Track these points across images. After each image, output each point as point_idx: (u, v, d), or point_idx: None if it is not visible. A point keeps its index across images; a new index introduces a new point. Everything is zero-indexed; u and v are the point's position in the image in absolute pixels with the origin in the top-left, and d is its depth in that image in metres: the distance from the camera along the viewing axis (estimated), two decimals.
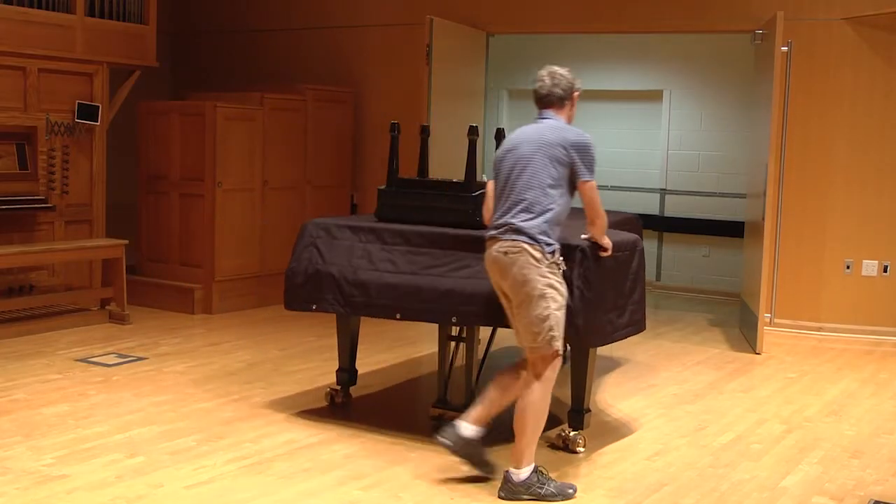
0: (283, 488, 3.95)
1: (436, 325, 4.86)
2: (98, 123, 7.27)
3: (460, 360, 4.96)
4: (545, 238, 3.89)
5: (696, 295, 9.29)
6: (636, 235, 4.82)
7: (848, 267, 7.42)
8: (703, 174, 9.41)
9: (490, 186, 4.21)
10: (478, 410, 4.05)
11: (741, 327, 7.49)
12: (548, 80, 4.15)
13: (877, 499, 4.05)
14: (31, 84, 6.89)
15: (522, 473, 3.89)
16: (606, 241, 4.18)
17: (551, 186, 3.93)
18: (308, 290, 4.77)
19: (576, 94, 4.22)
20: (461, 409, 4.46)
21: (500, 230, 3.95)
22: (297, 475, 4.10)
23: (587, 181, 3.98)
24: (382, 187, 5.00)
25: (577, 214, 4.26)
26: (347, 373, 5.18)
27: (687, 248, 9.57)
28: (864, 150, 7.33)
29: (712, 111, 9.44)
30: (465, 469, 4.12)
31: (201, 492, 3.88)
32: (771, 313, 7.42)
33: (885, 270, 7.33)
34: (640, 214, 6.94)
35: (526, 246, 3.87)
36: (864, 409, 5.45)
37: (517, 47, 9.83)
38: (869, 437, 4.94)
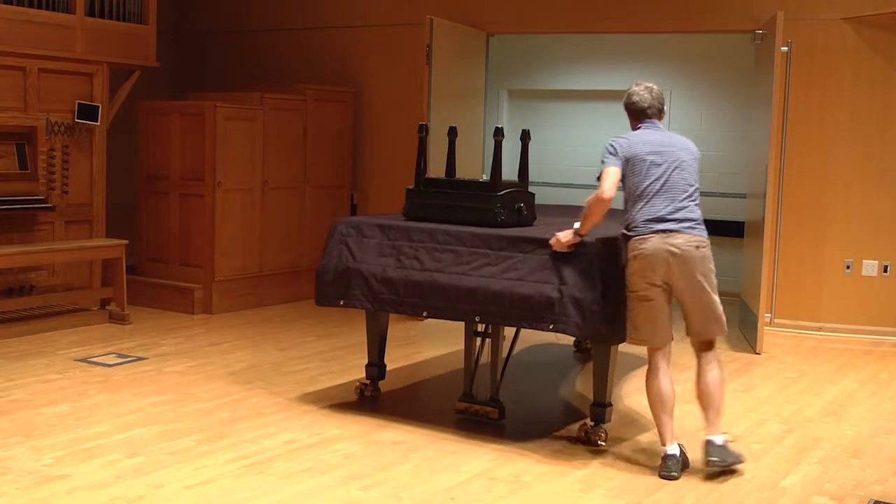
0: (283, 488, 3.95)
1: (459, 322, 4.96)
2: (98, 123, 7.27)
3: (486, 357, 5.03)
4: None
5: None
6: None
7: (848, 267, 7.42)
8: (703, 174, 9.29)
9: (615, 174, 4.33)
10: (712, 421, 4.29)
11: (741, 327, 7.49)
12: (646, 94, 4.47)
13: (877, 499, 4.05)
14: (31, 84, 6.89)
15: (720, 437, 4.25)
16: None
17: (696, 189, 4.40)
18: (337, 286, 4.90)
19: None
20: (486, 404, 4.82)
21: (683, 224, 4.22)
22: (297, 475, 4.10)
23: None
24: (411, 187, 5.13)
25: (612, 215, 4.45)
26: (377, 367, 5.30)
27: None
28: (864, 149, 7.34)
29: (712, 111, 9.44)
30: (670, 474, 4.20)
31: (201, 492, 3.88)
32: (771, 313, 7.42)
33: (885, 270, 7.33)
34: None
35: (707, 241, 4.29)
36: (864, 409, 5.45)
37: (517, 47, 9.83)
38: (869, 437, 4.94)
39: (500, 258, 4.49)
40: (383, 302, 4.81)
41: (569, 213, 5.67)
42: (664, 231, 4.20)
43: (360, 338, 6.85)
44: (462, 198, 4.89)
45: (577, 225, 4.33)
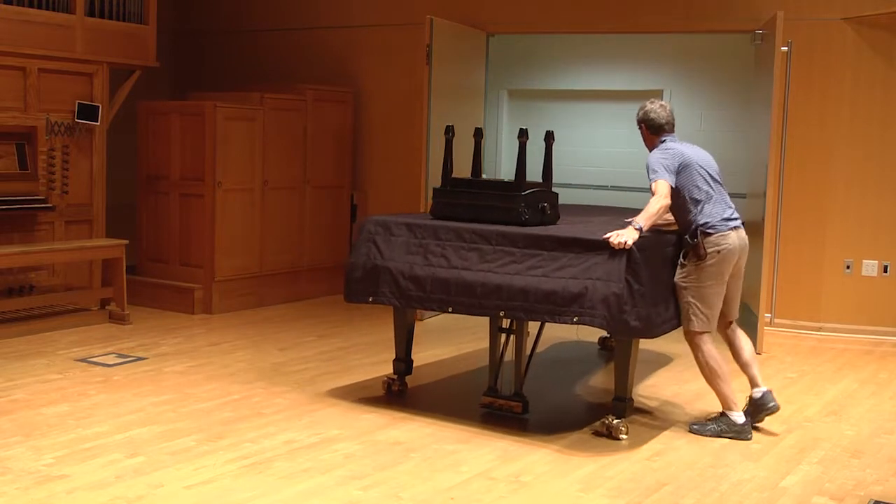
0: (283, 488, 3.95)
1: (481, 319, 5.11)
2: (98, 123, 7.27)
3: (510, 352, 5.13)
4: None
5: None
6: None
7: (848, 267, 7.42)
8: None
9: (667, 185, 4.72)
10: (758, 376, 4.99)
11: (741, 327, 7.48)
12: (662, 112, 4.95)
13: (877, 499, 4.05)
14: (31, 84, 6.89)
15: (764, 387, 4.97)
16: None
17: None
18: (366, 283, 5.03)
19: None
20: (510, 398, 4.97)
21: (740, 220, 4.89)
22: (297, 475, 4.10)
23: None
24: (437, 186, 5.28)
25: (606, 212, 4.62)
26: (404, 363, 5.41)
27: None
28: (864, 150, 7.34)
29: (712, 111, 9.44)
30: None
31: (201, 492, 3.88)
32: (771, 313, 7.42)
33: (885, 270, 7.33)
34: None
35: None
36: (864, 409, 5.45)
37: (517, 47, 9.83)
38: (869, 437, 4.94)
39: (525, 256, 4.64)
40: (410, 299, 4.93)
41: (582, 212, 5.82)
42: (735, 227, 4.82)
43: (359, 338, 6.88)
44: (487, 197, 5.03)
45: (637, 224, 4.55)
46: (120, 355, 6.09)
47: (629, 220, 4.77)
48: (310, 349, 6.48)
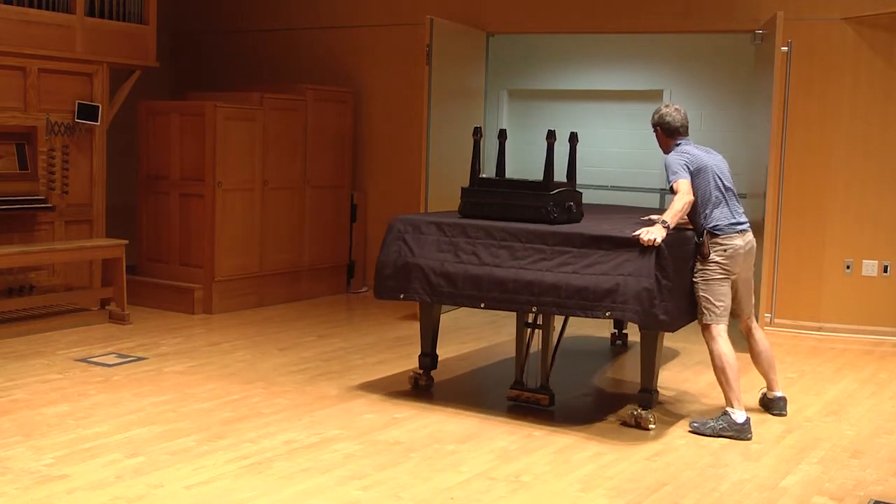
0: (283, 488, 3.95)
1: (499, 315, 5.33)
2: (98, 123, 7.27)
3: (534, 348, 5.28)
4: None
5: None
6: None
7: (848, 267, 7.42)
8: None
9: (688, 183, 4.93)
10: (775, 380, 5.30)
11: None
12: (678, 115, 5.17)
13: (877, 499, 4.05)
14: (31, 84, 6.89)
15: (780, 392, 5.26)
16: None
17: None
18: (397, 280, 5.15)
19: None
20: (537, 391, 5.14)
21: (748, 224, 5.07)
22: (297, 475, 4.10)
23: None
24: (466, 186, 5.41)
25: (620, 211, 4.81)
26: (430, 357, 5.54)
27: None
28: (864, 150, 7.34)
29: (712, 111, 9.44)
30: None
31: (201, 492, 3.88)
32: (771, 313, 7.42)
33: (885, 270, 7.34)
34: None
35: None
36: (864, 409, 5.45)
37: (517, 47, 9.83)
38: (869, 437, 4.94)
39: (555, 253, 4.79)
40: (442, 295, 5.05)
41: (595, 211, 5.95)
42: (742, 231, 5.00)
43: (359, 338, 6.88)
44: (516, 196, 5.17)
45: (665, 221, 4.74)
46: (120, 355, 6.10)
47: (645, 217, 5.21)
48: (310, 349, 6.48)
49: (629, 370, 6.38)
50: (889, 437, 4.95)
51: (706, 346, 5.02)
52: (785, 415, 5.21)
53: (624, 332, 7.03)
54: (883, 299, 7.33)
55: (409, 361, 6.21)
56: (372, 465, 4.26)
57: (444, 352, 6.45)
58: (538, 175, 5.27)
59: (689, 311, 4.99)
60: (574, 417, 5.11)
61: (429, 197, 7.56)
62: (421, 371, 5.54)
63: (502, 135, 5.54)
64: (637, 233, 4.65)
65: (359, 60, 8.93)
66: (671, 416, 5.17)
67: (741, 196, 8.63)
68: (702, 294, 4.96)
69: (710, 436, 4.81)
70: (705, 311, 4.97)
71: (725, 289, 4.99)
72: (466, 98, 8.18)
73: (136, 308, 7.37)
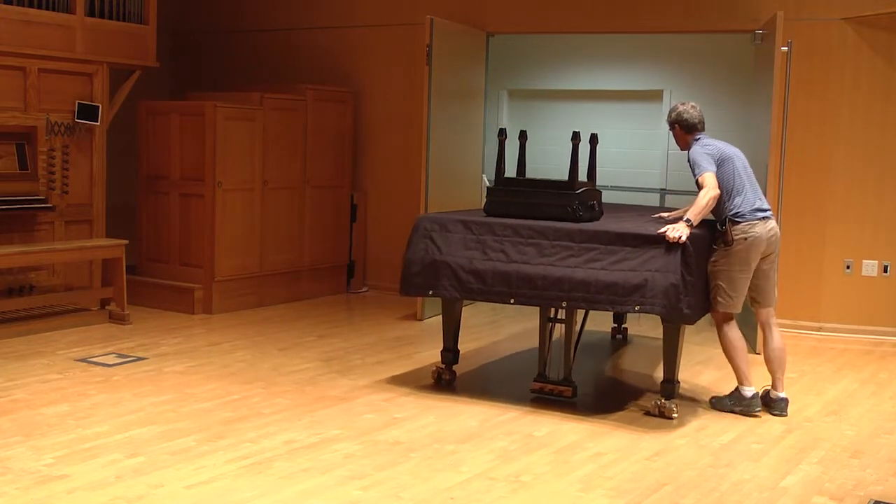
0: (283, 488, 3.95)
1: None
2: (98, 123, 7.27)
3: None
4: None
5: None
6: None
7: (848, 267, 7.42)
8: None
9: (714, 177, 5.05)
10: (781, 380, 5.30)
11: (741, 327, 7.48)
12: (694, 112, 5.34)
13: (877, 499, 4.05)
14: (31, 84, 6.89)
15: (783, 394, 5.28)
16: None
17: None
18: (424, 277, 5.29)
19: None
20: (560, 383, 5.30)
21: (770, 212, 5.21)
22: (297, 475, 4.10)
23: None
24: (491, 185, 5.56)
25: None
26: (451, 352, 5.68)
27: None
28: (864, 150, 7.34)
29: (712, 111, 9.39)
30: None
31: (201, 492, 3.88)
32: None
33: (885, 270, 7.34)
34: None
35: None
36: (864, 409, 5.45)
37: (517, 47, 9.83)
38: (869, 437, 4.94)
39: (583, 250, 4.96)
40: (471, 291, 5.18)
41: (608, 210, 6.03)
42: (764, 218, 5.13)
43: (359, 338, 6.88)
44: (542, 195, 5.32)
45: (689, 219, 4.90)
46: (120, 355, 6.10)
47: (656, 216, 5.55)
48: (310, 349, 6.48)
49: (635, 362, 6.53)
50: (889, 437, 4.95)
51: (703, 346, 5.08)
52: (785, 416, 5.23)
53: (624, 326, 7.19)
54: (883, 299, 7.33)
55: (409, 361, 6.22)
56: (372, 465, 4.26)
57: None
58: (541, 173, 5.31)
59: (704, 305, 5.16)
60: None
61: (429, 197, 7.56)
62: (444, 366, 5.67)
63: (523, 136, 5.65)
64: (663, 230, 4.82)
65: (359, 60, 8.92)
66: (671, 416, 5.17)
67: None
68: (719, 283, 5.12)
69: (724, 411, 5.21)
70: (719, 299, 5.13)
71: (743, 277, 5.12)
72: (466, 98, 8.18)
73: (136, 308, 7.37)
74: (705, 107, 9.93)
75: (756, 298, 5.32)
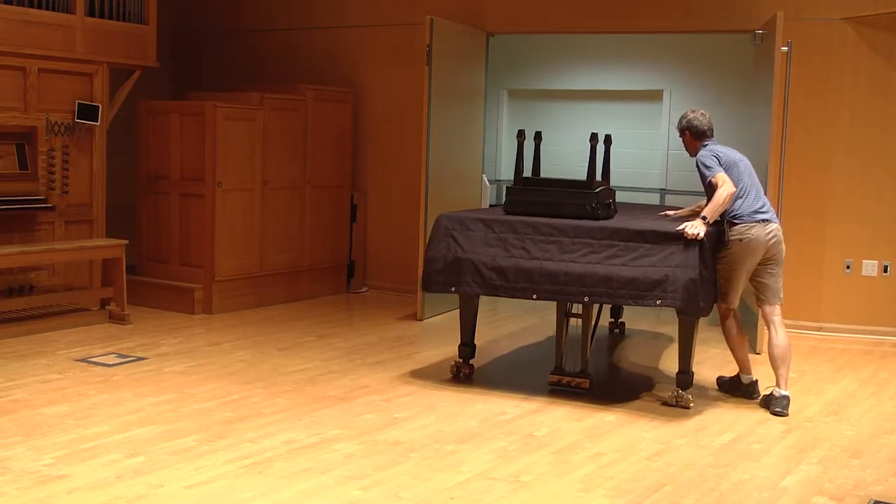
0: (283, 488, 3.95)
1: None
2: (98, 123, 7.27)
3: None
4: None
5: None
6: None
7: (848, 267, 7.42)
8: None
9: (726, 177, 5.23)
10: (785, 377, 5.33)
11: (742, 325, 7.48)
12: (703, 119, 5.52)
13: (877, 499, 4.05)
14: (31, 84, 6.89)
15: (785, 391, 5.30)
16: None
17: None
18: (447, 274, 5.43)
19: None
20: (577, 375, 5.48)
21: (771, 215, 5.37)
22: (297, 475, 4.10)
23: None
24: (510, 185, 5.72)
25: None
26: (469, 347, 5.81)
27: None
28: (864, 149, 7.34)
29: (712, 111, 9.33)
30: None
31: (201, 492, 3.88)
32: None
33: (885, 270, 7.33)
34: None
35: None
36: (864, 409, 5.45)
37: (517, 47, 9.83)
38: (869, 437, 4.94)
39: (603, 247, 5.15)
40: (495, 287, 5.34)
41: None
42: (763, 221, 5.28)
43: (359, 338, 6.89)
44: (561, 195, 5.48)
45: (705, 217, 5.11)
46: (120, 355, 6.10)
47: (662, 213, 5.83)
48: (310, 349, 6.48)
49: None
50: (889, 437, 4.95)
51: (703, 346, 5.17)
52: (786, 414, 5.24)
53: (621, 321, 7.32)
54: (883, 299, 7.33)
55: (409, 361, 6.22)
56: (372, 465, 4.26)
57: (446, 351, 6.46)
58: (542, 173, 5.56)
59: (714, 298, 5.37)
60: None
61: (429, 197, 7.56)
62: (461, 360, 5.79)
63: (537, 136, 5.81)
64: (681, 227, 5.04)
65: (358, 60, 8.92)
66: (670, 416, 5.17)
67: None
68: (720, 278, 5.35)
69: (726, 392, 5.59)
70: (721, 293, 5.39)
71: (737, 276, 5.32)
72: (466, 98, 8.18)
73: (136, 308, 7.37)
74: (705, 107, 9.92)
75: (760, 296, 5.45)
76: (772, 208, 5.50)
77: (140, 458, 4.21)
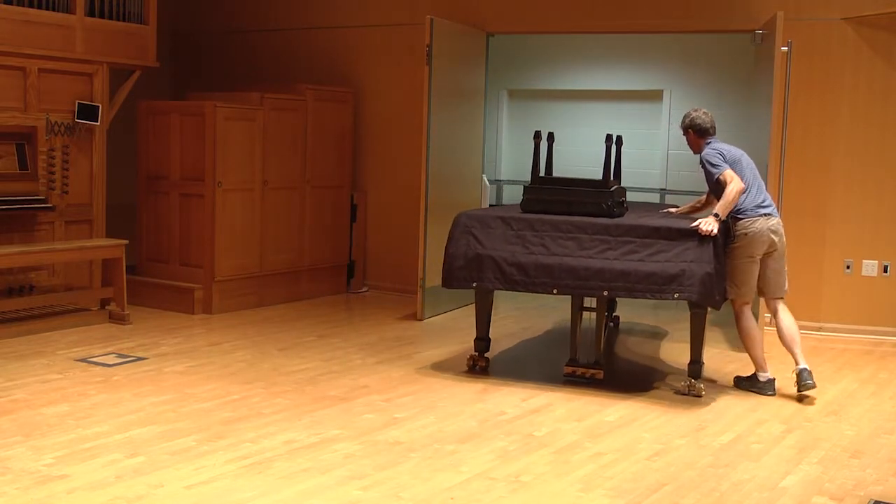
0: (283, 488, 3.95)
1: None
2: (98, 123, 7.27)
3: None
4: None
5: None
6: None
7: (848, 267, 7.42)
8: (703, 174, 9.39)
9: (733, 174, 5.44)
10: (801, 354, 5.56)
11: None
12: (706, 118, 5.73)
13: (877, 499, 4.05)
14: (31, 84, 6.89)
15: (804, 364, 5.52)
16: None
17: None
18: (468, 270, 5.60)
19: None
20: (592, 366, 5.70)
21: (774, 209, 5.61)
22: (296, 475, 4.10)
23: None
24: (527, 184, 5.89)
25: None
26: (484, 341, 5.99)
27: None
28: (864, 149, 7.34)
29: (712, 111, 9.33)
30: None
31: (201, 492, 3.88)
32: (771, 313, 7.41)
33: (885, 270, 7.34)
34: None
35: None
36: (864, 409, 5.45)
37: (517, 47, 9.83)
38: (869, 437, 4.94)
39: (619, 243, 5.34)
40: (515, 283, 5.50)
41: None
42: (766, 215, 5.50)
43: (359, 338, 6.89)
44: (577, 193, 5.66)
45: (717, 214, 5.31)
46: (120, 355, 6.10)
47: (665, 210, 6.02)
48: (310, 349, 6.48)
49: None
50: (889, 437, 4.95)
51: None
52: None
53: (615, 315, 7.44)
54: (883, 299, 7.33)
55: (409, 361, 6.22)
56: (372, 465, 4.26)
57: (447, 351, 6.46)
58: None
59: (725, 291, 5.51)
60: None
61: (429, 197, 7.56)
62: (477, 353, 5.96)
63: (550, 137, 5.98)
64: (695, 224, 5.24)
65: (358, 60, 8.92)
66: (670, 416, 5.18)
67: None
68: (733, 272, 5.52)
69: (743, 390, 5.69)
70: (730, 289, 5.55)
71: (748, 268, 5.52)
72: (466, 98, 8.18)
73: (136, 308, 7.37)
74: (705, 107, 9.93)
75: (763, 290, 5.67)
76: (773, 203, 5.65)
77: (140, 458, 4.21)
